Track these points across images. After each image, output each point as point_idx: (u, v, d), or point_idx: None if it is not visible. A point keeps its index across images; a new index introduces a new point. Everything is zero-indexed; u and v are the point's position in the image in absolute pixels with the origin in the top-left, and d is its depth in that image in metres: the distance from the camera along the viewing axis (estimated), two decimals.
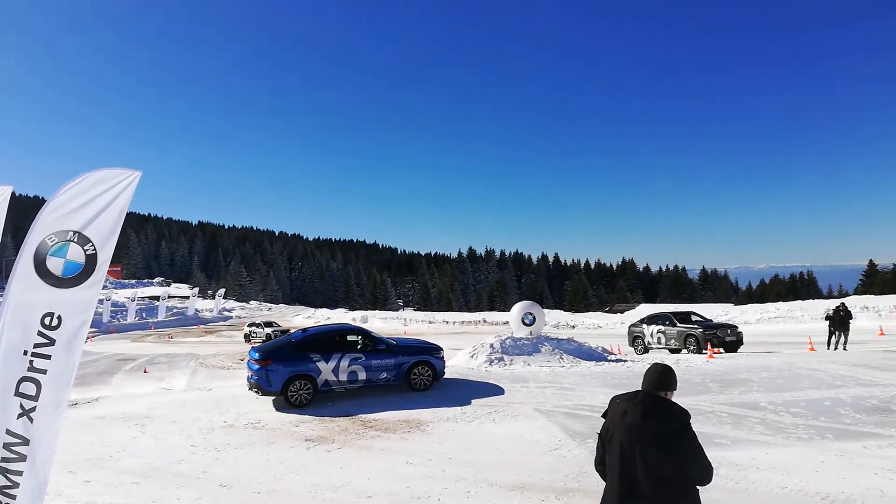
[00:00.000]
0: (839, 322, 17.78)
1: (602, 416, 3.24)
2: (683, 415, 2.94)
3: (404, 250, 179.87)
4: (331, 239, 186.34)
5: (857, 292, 61.91)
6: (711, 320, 21.33)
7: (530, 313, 17.55)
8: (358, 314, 59.10)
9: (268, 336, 33.57)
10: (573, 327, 39.14)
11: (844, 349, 17.09)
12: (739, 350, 18.45)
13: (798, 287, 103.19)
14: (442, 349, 13.07)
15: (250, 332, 37.01)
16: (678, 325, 19.71)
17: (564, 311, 66.98)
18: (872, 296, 37.81)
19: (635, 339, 21.51)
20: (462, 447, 8.16)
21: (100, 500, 6.56)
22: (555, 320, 42.52)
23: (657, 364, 3.18)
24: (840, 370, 12.73)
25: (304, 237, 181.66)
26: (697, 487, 3.02)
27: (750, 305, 42.50)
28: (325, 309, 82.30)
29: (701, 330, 18.78)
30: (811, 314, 30.03)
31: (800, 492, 5.98)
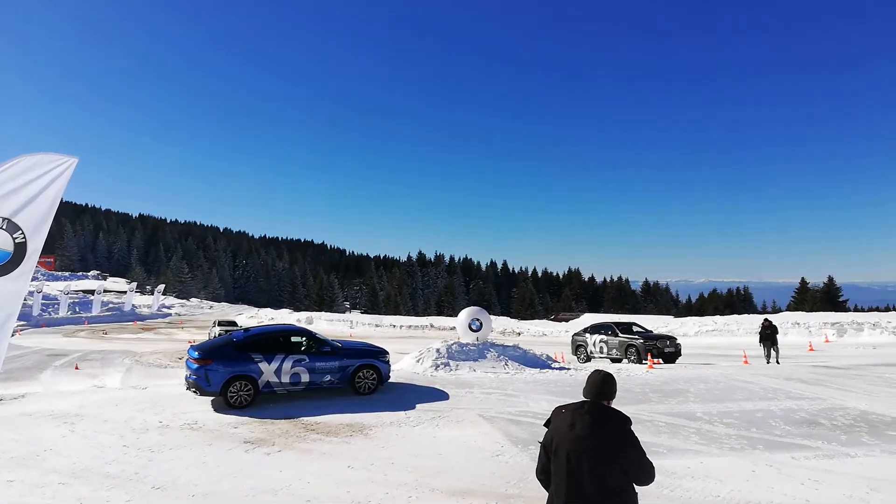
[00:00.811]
0: (766, 337, 18.61)
1: (545, 425, 3.25)
2: (627, 420, 2.98)
3: (353, 252, 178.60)
4: (277, 238, 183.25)
5: (790, 309, 64.68)
6: (652, 331, 21.76)
7: (477, 319, 17.63)
8: (303, 315, 58.21)
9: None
10: (519, 334, 39.51)
11: (777, 363, 17.80)
12: (678, 361, 18.91)
13: (735, 302, 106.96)
14: (388, 353, 12.97)
15: (220, 333, 30.57)
16: (620, 335, 20.10)
17: (511, 318, 67.58)
18: (804, 312, 39.49)
19: (578, 347, 21.90)
20: (405, 452, 8.09)
21: (23, 501, 6.22)
22: (501, 327, 42.85)
23: (598, 372, 3.20)
24: (772, 383, 13.23)
25: (250, 235, 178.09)
26: (637, 493, 3.07)
27: (689, 318, 43.83)
28: (269, 309, 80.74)
29: (641, 341, 19.16)
30: (746, 328, 31.15)
31: (731, 500, 6.16)
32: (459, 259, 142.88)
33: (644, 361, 18.04)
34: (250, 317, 63.55)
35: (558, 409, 3.22)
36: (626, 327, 21.01)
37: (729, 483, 6.68)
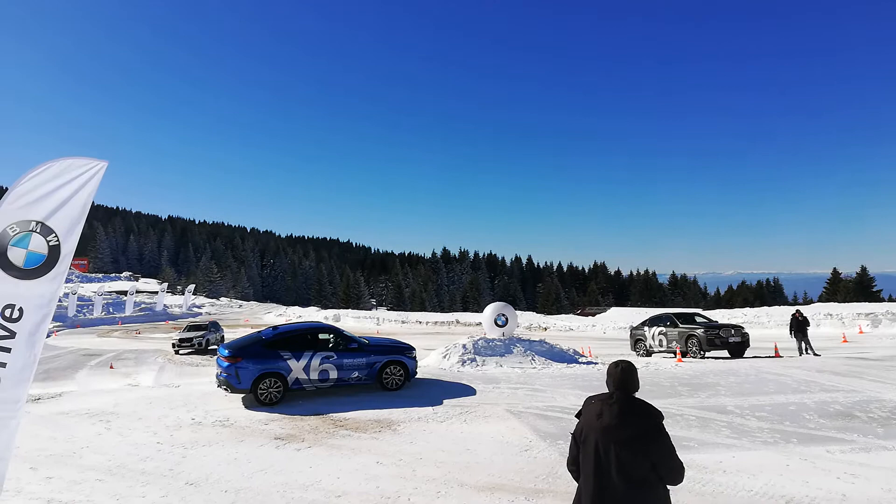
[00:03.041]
0: (796, 328, 18.24)
1: (576, 417, 3.24)
2: (658, 415, 2.95)
3: (378, 249, 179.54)
4: (303, 236, 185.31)
5: (821, 300, 63.27)
6: (716, 321, 20.31)
7: (503, 314, 17.61)
8: (330, 313, 58.65)
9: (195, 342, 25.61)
10: (545, 329, 39.33)
11: (814, 354, 17.46)
12: (745, 353, 17.90)
13: (765, 293, 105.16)
14: (414, 349, 13.03)
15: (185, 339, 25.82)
16: (680, 325, 18.73)
17: (537, 312, 67.28)
18: (836, 303, 38.71)
19: (637, 341, 20.56)
20: (433, 447, 8.12)
21: (62, 498, 6.38)
22: (527, 322, 42.68)
23: (618, 363, 3.17)
24: (804, 376, 12.99)
25: (277, 234, 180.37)
26: (668, 488, 3.04)
27: (718, 310, 43.22)
28: (296, 307, 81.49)
29: (702, 330, 17.78)
30: (777, 320, 30.60)
31: (765, 495, 6.07)
32: (484, 255, 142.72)
33: (706, 354, 17.34)
34: (279, 315, 64.24)
35: (589, 399, 3.21)
36: (688, 318, 19.64)
37: (762, 477, 6.58)
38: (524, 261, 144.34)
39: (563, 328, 39.45)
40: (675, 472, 2.94)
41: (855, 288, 61.57)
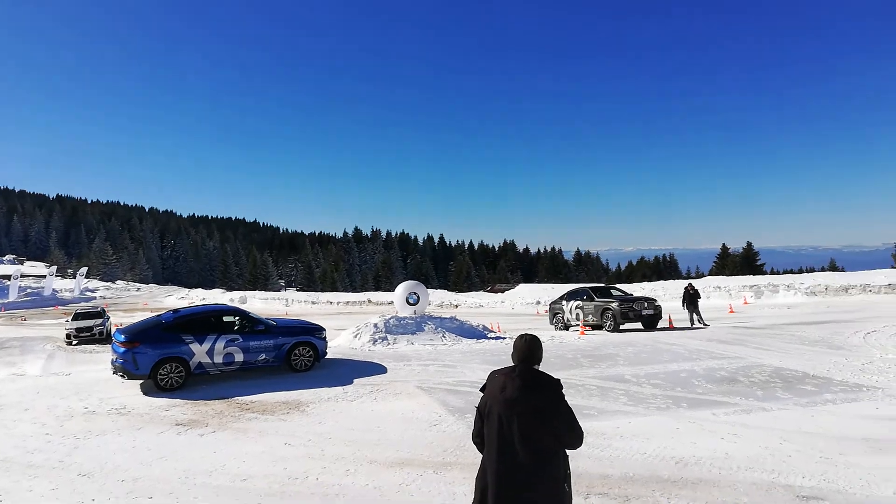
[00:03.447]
0: (688, 300, 19.45)
1: (480, 391, 3.31)
2: (557, 386, 3.06)
3: (287, 229, 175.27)
4: (207, 216, 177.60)
5: (712, 273, 67.61)
6: (630, 294, 20.57)
7: (414, 293, 17.70)
8: (236, 295, 56.86)
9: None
10: (456, 306, 39.87)
11: (704, 324, 18.66)
12: (658, 325, 18.43)
13: (661, 268, 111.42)
14: (324, 329, 12.87)
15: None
16: (596, 299, 18.98)
17: (448, 290, 68.07)
18: (724, 277, 41.44)
19: (555, 315, 20.76)
20: (343, 426, 8.09)
21: None
22: (439, 300, 43.10)
23: (523, 336, 3.26)
24: (695, 345, 13.90)
25: (178, 214, 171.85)
26: (568, 453, 3.17)
27: (618, 285, 45.27)
28: (200, 289, 78.30)
29: (617, 304, 18.04)
30: (672, 293, 32.47)
31: (657, 457, 6.47)
32: (396, 234, 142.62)
33: (621, 327, 17.68)
34: (180, 298, 61.60)
35: (493, 373, 3.28)
36: (605, 291, 19.96)
37: (655, 441, 7.01)
38: (436, 240, 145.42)
39: (473, 305, 40.15)
40: (575, 437, 3.07)
41: (741, 262, 66.12)
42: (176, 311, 12.21)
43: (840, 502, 5.11)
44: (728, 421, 7.81)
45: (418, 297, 17.63)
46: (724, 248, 73.42)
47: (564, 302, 20.40)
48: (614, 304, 18.08)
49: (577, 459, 6.18)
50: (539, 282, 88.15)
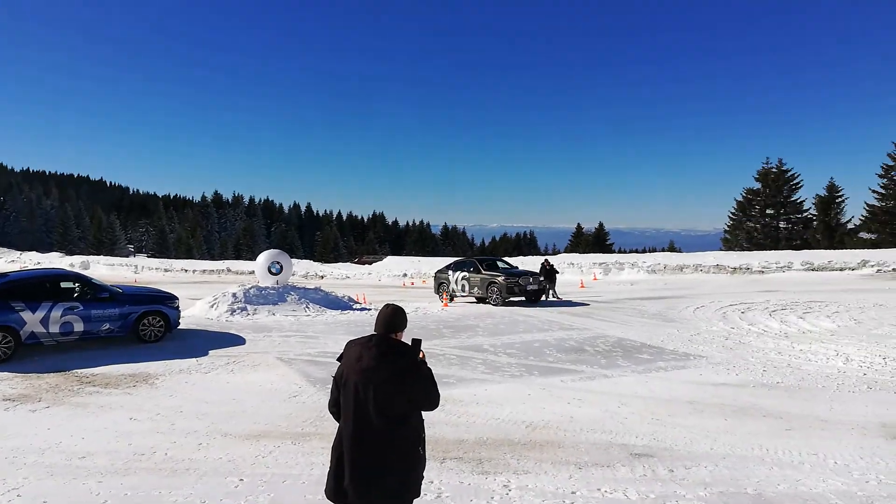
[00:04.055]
0: (545, 275, 20.55)
1: (337, 360, 3.30)
2: (414, 353, 3.11)
3: (137, 190, 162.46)
4: (44, 171, 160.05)
5: (567, 251, 71.78)
6: (516, 267, 20.61)
7: (277, 262, 17.19)
8: (77, 259, 52.02)
9: None
10: (322, 277, 39.24)
11: (558, 298, 19.78)
12: (542, 299, 18.71)
13: (522, 244, 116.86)
14: (177, 298, 12.18)
15: None
16: (483, 272, 18.70)
17: (314, 261, 66.75)
18: (578, 254, 44.10)
19: (440, 285, 20.38)
20: (195, 399, 7.75)
21: None
22: (304, 270, 42.16)
23: (388, 305, 3.30)
24: (549, 317, 14.76)
25: (9, 167, 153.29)
26: (424, 421, 3.25)
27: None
28: (34, 252, 70.72)
29: (503, 278, 17.88)
30: (531, 268, 34.10)
31: (509, 421, 6.83)
32: (260, 200, 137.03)
33: (506, 301, 17.64)
34: (10, 262, 55.31)
35: (349, 343, 3.28)
36: (491, 264, 19.65)
37: (508, 406, 7.39)
38: (303, 208, 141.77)
39: (340, 276, 39.72)
40: (431, 399, 3.15)
41: (594, 241, 70.59)
42: (3, 275, 10.98)
43: (667, 458, 5.67)
44: (574, 387, 8.40)
45: (281, 267, 17.15)
46: (579, 227, 78.03)
47: (451, 272, 20.01)
48: (500, 279, 17.90)
49: (434, 426, 6.38)
50: (407, 254, 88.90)
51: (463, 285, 19.20)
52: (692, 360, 10.11)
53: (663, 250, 61.62)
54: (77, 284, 11.01)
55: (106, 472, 5.35)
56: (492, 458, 5.67)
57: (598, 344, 11.41)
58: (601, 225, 73.84)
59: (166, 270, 45.29)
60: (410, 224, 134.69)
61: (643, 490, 4.92)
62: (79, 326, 10.55)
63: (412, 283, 31.67)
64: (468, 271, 19.20)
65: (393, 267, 42.30)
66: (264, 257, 17.47)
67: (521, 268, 21.91)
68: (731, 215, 49.71)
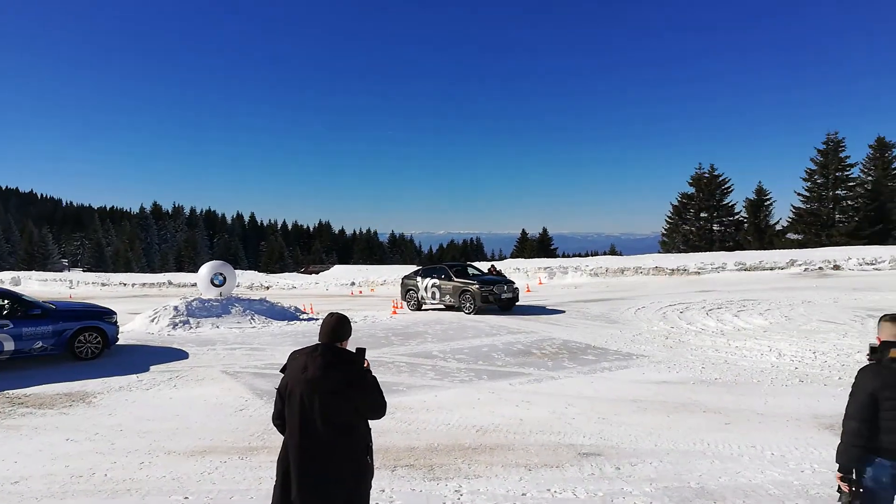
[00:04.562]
0: None
1: (281, 371, 3.27)
2: (360, 361, 3.12)
3: (71, 202, 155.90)
4: None
5: (512, 256, 72.52)
6: (485, 273, 19.92)
7: (220, 273, 16.81)
8: (7, 275, 49.49)
9: None
10: (267, 288, 38.49)
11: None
12: (514, 307, 17.76)
13: (469, 250, 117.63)
14: (115, 313, 11.77)
15: None
16: (455, 279, 17.87)
17: (259, 271, 65.46)
18: (523, 259, 44.67)
19: (408, 291, 19.47)
20: (136, 417, 7.50)
21: None
22: (249, 281, 41.28)
23: (332, 315, 3.29)
24: (497, 321, 14.92)
25: None
26: (371, 426, 3.25)
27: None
28: None
29: (477, 286, 17.07)
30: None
31: (460, 426, 6.88)
32: (202, 211, 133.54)
33: (478, 310, 16.74)
34: None
35: (293, 353, 3.25)
36: (462, 270, 18.80)
37: (458, 411, 7.44)
38: (247, 218, 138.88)
39: (286, 286, 39.03)
40: (377, 408, 3.15)
41: (538, 246, 71.73)
42: None
43: (613, 456, 5.83)
44: (522, 390, 8.53)
45: (225, 279, 16.77)
46: (524, 233, 79.27)
47: (420, 278, 19.10)
48: (474, 287, 17.10)
49: (385, 434, 6.37)
50: (354, 263, 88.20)
51: (433, 292, 18.40)
52: (635, 359, 10.40)
53: (605, 254, 63.02)
54: (6, 301, 10.49)
55: (42, 496, 5.13)
56: (443, 463, 5.70)
57: (544, 346, 11.61)
58: (545, 230, 75.19)
59: (104, 285, 43.56)
60: (357, 233, 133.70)
61: (591, 488, 5.04)
62: (9, 345, 10.06)
63: (360, 292, 31.43)
64: (439, 278, 18.37)
65: (340, 276, 41.90)
66: (207, 269, 17.05)
67: (583, 279, 21.27)
68: (667, 219, 51.32)
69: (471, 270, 19.12)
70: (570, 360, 10.39)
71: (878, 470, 3.19)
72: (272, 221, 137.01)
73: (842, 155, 44.27)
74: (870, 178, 45.89)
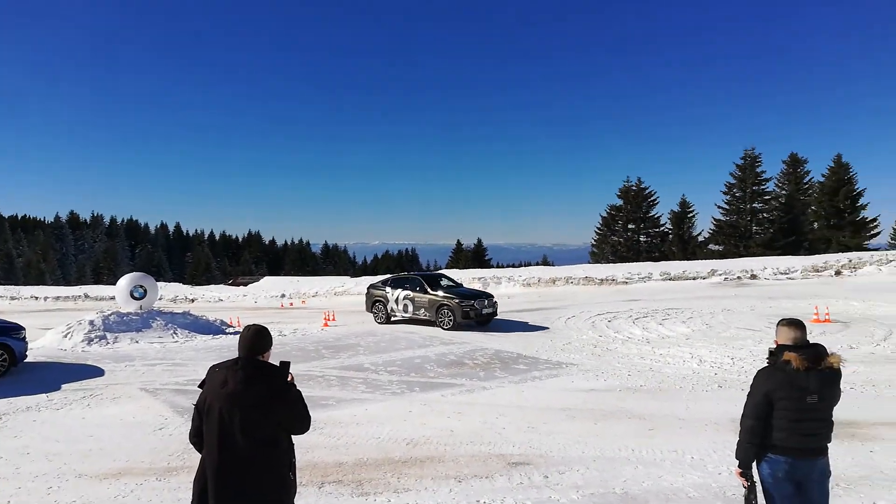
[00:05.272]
0: None
1: (199, 387, 3.12)
2: (283, 374, 3.01)
3: None
4: None
5: (448, 266, 73.02)
6: (461, 285, 18.86)
7: (141, 286, 16.08)
8: None
9: None
10: (192, 301, 37.11)
11: None
12: (491, 322, 16.54)
13: (404, 261, 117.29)
14: (23, 328, 11.04)
15: None
16: (430, 292, 16.57)
17: (184, 283, 63.22)
18: (458, 269, 44.98)
19: (375, 303, 18.01)
20: (45, 438, 7.03)
21: None
22: (172, 294, 39.77)
23: (250, 327, 3.18)
24: (429, 332, 14.90)
25: None
26: (295, 441, 3.15)
27: (364, 277, 46.44)
28: None
29: (457, 301, 15.85)
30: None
31: (390, 440, 6.78)
32: (123, 220, 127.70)
33: (457, 327, 15.55)
34: None
35: (213, 367, 3.11)
36: (435, 282, 17.41)
37: (389, 425, 7.34)
38: (171, 228, 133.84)
39: (212, 299, 37.77)
40: (301, 422, 3.05)
41: (473, 257, 72.53)
42: None
43: (542, 465, 5.87)
44: (454, 401, 8.51)
45: (146, 291, 16.04)
46: (459, 243, 79.90)
47: (389, 289, 17.71)
48: (454, 301, 15.89)
49: (312, 450, 6.22)
50: (286, 274, 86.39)
51: (405, 305, 17.10)
52: (564, 368, 10.58)
53: (538, 264, 64.34)
54: None
55: None
56: (372, 478, 5.60)
57: (476, 357, 11.65)
58: (480, 241, 76.11)
59: (13, 298, 40.92)
60: (289, 243, 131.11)
61: (520, 498, 5.06)
62: None
63: (291, 304, 30.74)
64: (413, 290, 17.04)
65: (270, 288, 41.00)
66: (126, 281, 16.28)
67: (516, 290, 20.57)
68: (597, 230, 52.80)
69: (444, 282, 17.77)
70: (501, 370, 10.46)
71: (773, 465, 3.40)
72: (199, 231, 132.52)
73: (758, 170, 46.86)
74: (784, 192, 48.77)
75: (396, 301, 17.35)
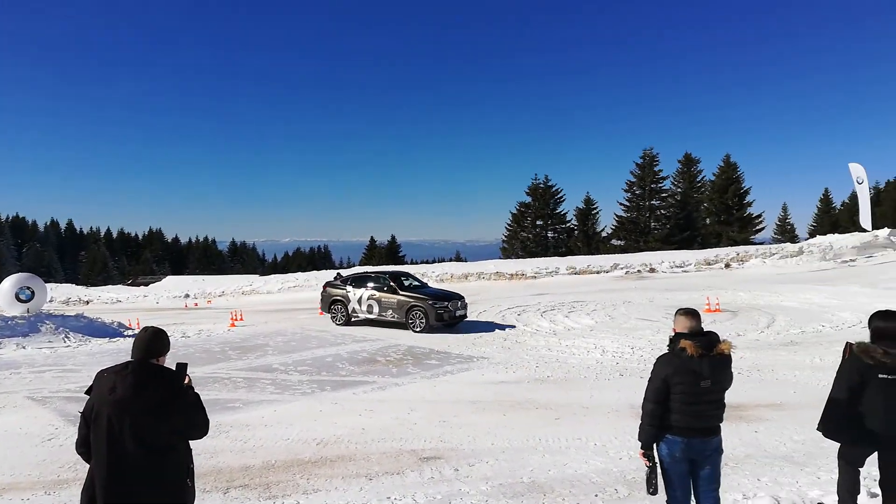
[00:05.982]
0: None
1: (86, 393, 2.95)
2: (177, 379, 2.89)
3: None
4: None
5: (361, 263, 72.61)
6: (426, 284, 18.01)
7: (27, 287, 14.99)
8: None
9: None
10: (87, 303, 34.93)
11: None
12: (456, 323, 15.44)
13: (317, 259, 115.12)
14: None
15: None
16: (399, 293, 15.38)
17: (78, 284, 59.40)
18: (371, 266, 44.83)
19: (334, 303, 16.56)
20: None
21: None
22: (65, 295, 37.25)
23: (146, 329, 3.05)
24: (342, 330, 14.75)
25: None
26: (192, 445, 3.03)
27: (274, 276, 45.28)
28: None
29: (431, 302, 14.74)
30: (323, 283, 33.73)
31: (299, 440, 6.66)
32: (8, 217, 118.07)
33: (428, 329, 14.51)
34: None
35: (101, 372, 2.95)
36: (400, 279, 16.30)
37: (298, 425, 7.20)
38: (63, 225, 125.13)
39: (109, 300, 35.70)
40: (198, 427, 2.94)
41: (387, 253, 72.33)
42: None
43: (453, 458, 5.95)
44: (366, 398, 8.47)
45: (33, 293, 14.95)
46: (372, 240, 79.61)
47: (351, 288, 16.33)
48: (428, 302, 14.79)
49: (217, 455, 6.03)
50: (190, 273, 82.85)
51: (370, 306, 15.79)
52: (475, 361, 10.77)
53: (451, 260, 65.09)
54: None
55: None
56: (280, 481, 5.48)
57: (389, 353, 11.64)
58: (393, 238, 75.97)
59: None
60: (193, 240, 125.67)
61: (430, 492, 5.10)
62: None
63: (196, 305, 29.53)
64: (380, 290, 15.77)
65: (173, 287, 39.26)
66: (11, 282, 15.11)
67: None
68: (507, 226, 53.97)
69: (409, 281, 16.63)
70: (414, 366, 10.51)
71: (671, 445, 3.63)
72: (94, 229, 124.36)
73: (656, 169, 49.40)
74: (679, 189, 51.63)
75: (359, 301, 16.07)
